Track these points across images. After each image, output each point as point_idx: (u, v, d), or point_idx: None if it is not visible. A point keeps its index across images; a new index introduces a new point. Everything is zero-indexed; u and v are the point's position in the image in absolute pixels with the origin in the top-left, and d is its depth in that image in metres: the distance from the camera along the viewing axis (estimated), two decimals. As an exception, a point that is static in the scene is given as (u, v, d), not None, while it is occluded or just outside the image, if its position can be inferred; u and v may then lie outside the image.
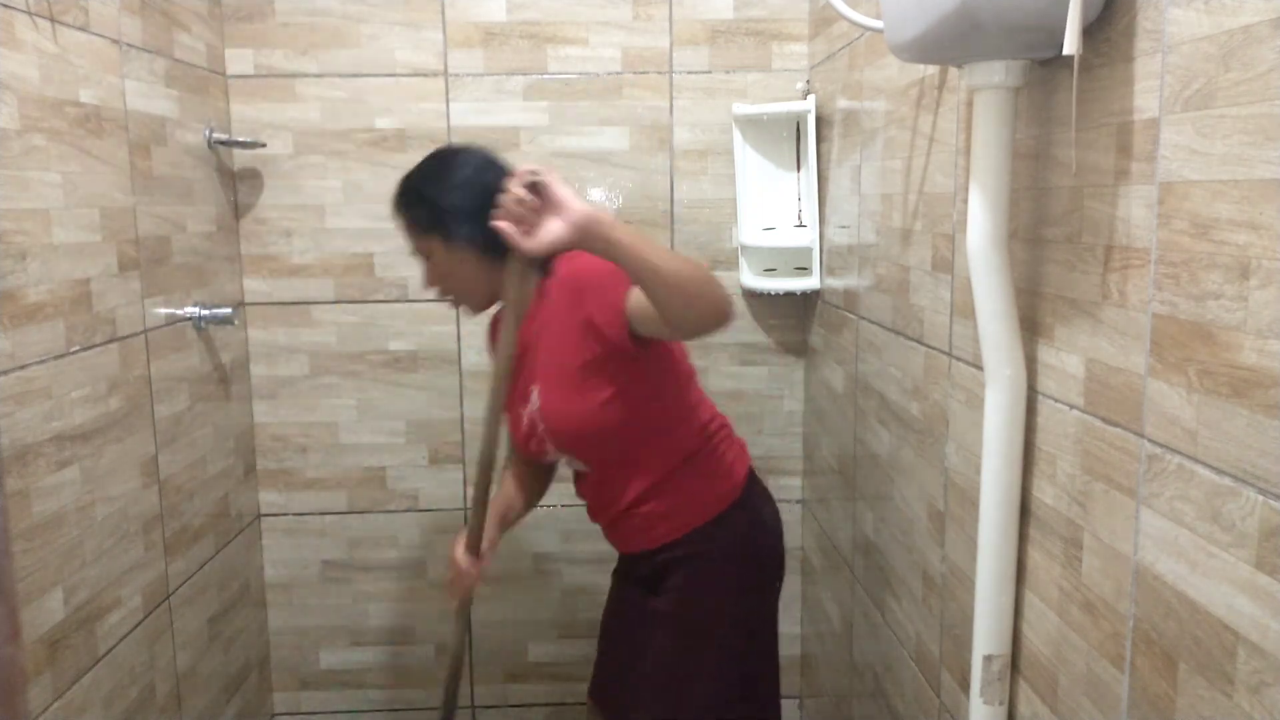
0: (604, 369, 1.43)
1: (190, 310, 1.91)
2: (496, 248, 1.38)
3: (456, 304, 1.53)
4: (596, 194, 2.23)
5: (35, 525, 1.39)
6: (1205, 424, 0.79)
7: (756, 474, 1.64)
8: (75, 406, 1.50)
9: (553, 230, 1.23)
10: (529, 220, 1.25)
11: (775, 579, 1.62)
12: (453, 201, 1.45)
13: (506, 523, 1.66)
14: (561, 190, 1.23)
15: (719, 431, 1.58)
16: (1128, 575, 0.91)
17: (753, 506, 1.58)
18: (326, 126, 2.17)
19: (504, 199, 1.25)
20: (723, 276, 2.26)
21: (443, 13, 2.15)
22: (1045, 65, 1.04)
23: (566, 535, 2.36)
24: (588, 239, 1.23)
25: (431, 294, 1.54)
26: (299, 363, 2.24)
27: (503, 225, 1.25)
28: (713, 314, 1.27)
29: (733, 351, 2.30)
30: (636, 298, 1.33)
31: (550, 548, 2.34)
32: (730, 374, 2.31)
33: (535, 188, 1.24)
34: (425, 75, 2.16)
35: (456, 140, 2.17)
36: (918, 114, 1.45)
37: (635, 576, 1.64)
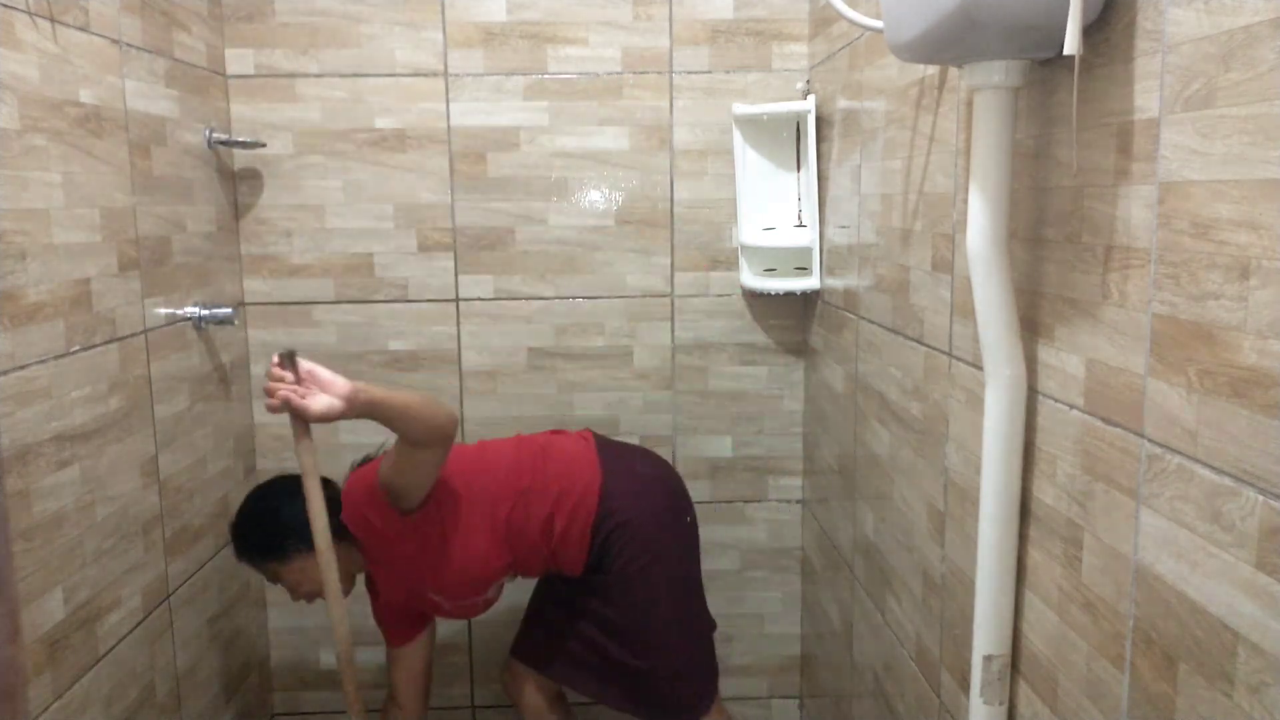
0: (406, 541, 1.71)
1: (190, 310, 1.91)
2: (341, 535, 1.65)
3: (333, 595, 1.59)
4: (596, 194, 2.23)
5: (35, 525, 1.39)
6: (1205, 424, 0.79)
7: (608, 443, 1.92)
8: (75, 406, 1.50)
9: (321, 401, 1.43)
10: (292, 394, 1.43)
11: (683, 510, 1.89)
12: (285, 529, 1.69)
13: None
14: (322, 371, 1.45)
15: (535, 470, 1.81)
16: (1128, 575, 0.91)
17: (618, 471, 1.83)
18: (326, 126, 2.17)
19: (268, 378, 1.44)
20: (723, 277, 2.27)
21: (443, 13, 2.15)
22: (1045, 65, 1.04)
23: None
24: (356, 406, 1.44)
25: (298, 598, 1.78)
26: (299, 363, 2.24)
27: (287, 394, 1.42)
28: (441, 426, 1.56)
29: (732, 352, 2.30)
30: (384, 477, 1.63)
31: (550, 548, 2.34)
32: (730, 374, 2.31)
33: (291, 360, 1.44)
34: (425, 75, 2.16)
35: (458, 141, 2.17)
36: (918, 114, 1.45)
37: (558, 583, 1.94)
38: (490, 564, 1.75)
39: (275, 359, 1.44)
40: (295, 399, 1.42)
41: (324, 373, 1.45)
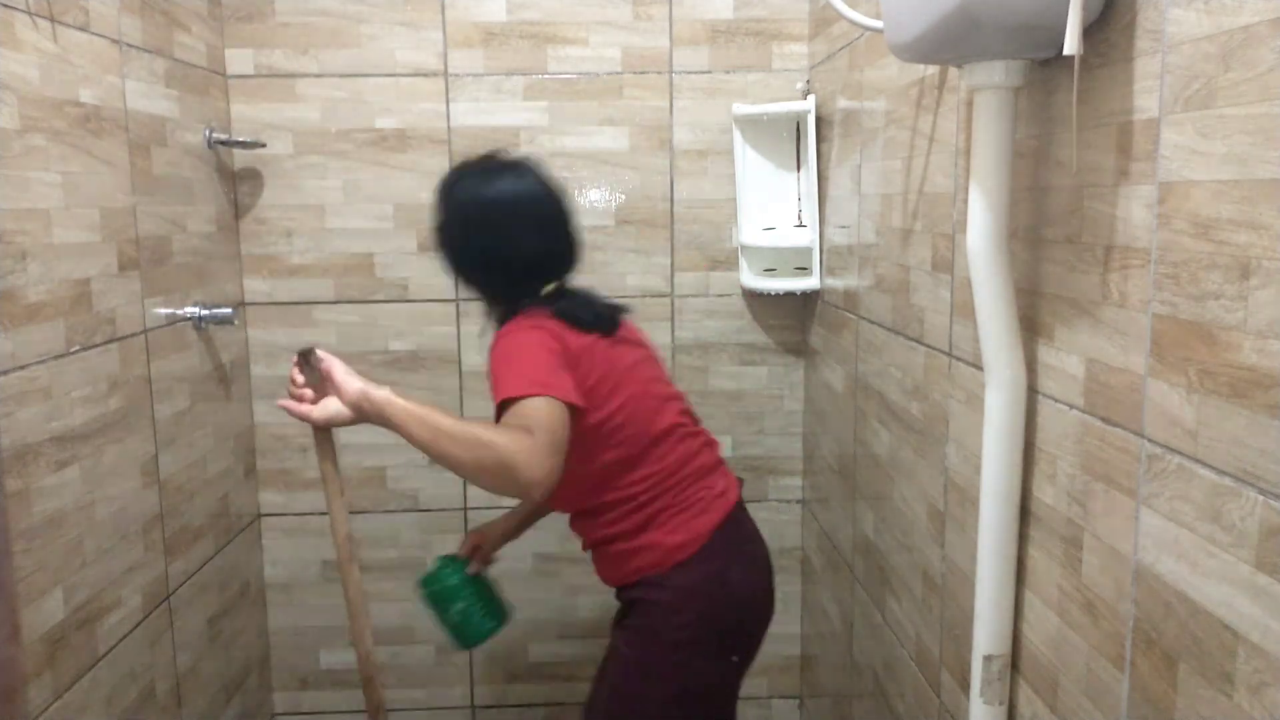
0: None
1: (190, 310, 1.91)
2: (501, 284, 1.48)
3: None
4: (596, 194, 2.23)
5: (35, 525, 1.39)
6: (1205, 424, 0.79)
7: (738, 535, 1.51)
8: (75, 406, 1.50)
9: (330, 408, 1.32)
10: (307, 395, 1.35)
11: (733, 648, 1.50)
12: (445, 251, 1.51)
13: (530, 520, 1.75)
14: (337, 370, 1.32)
15: (680, 486, 1.49)
16: (1128, 575, 0.91)
17: (716, 563, 1.47)
18: (326, 126, 2.17)
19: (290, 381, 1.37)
20: (723, 277, 2.26)
21: (443, 13, 2.15)
22: (1045, 65, 1.04)
23: (566, 535, 2.34)
24: (362, 416, 1.31)
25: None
26: (299, 363, 2.24)
27: (285, 404, 1.36)
28: (509, 493, 1.28)
29: (733, 351, 2.30)
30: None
31: (550, 548, 2.34)
32: (730, 374, 2.31)
33: (309, 360, 1.35)
34: (425, 75, 2.16)
35: (458, 141, 2.17)
36: (918, 114, 1.45)
37: (617, 610, 1.62)
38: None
39: (294, 359, 1.37)
40: (294, 407, 1.37)
41: (338, 372, 1.33)
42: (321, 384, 1.37)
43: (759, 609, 1.54)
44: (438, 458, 1.27)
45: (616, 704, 1.53)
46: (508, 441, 1.21)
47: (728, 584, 1.47)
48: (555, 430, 1.25)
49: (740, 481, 1.59)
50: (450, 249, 1.51)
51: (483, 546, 1.76)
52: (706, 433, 1.60)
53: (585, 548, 1.60)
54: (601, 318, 1.49)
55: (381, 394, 1.30)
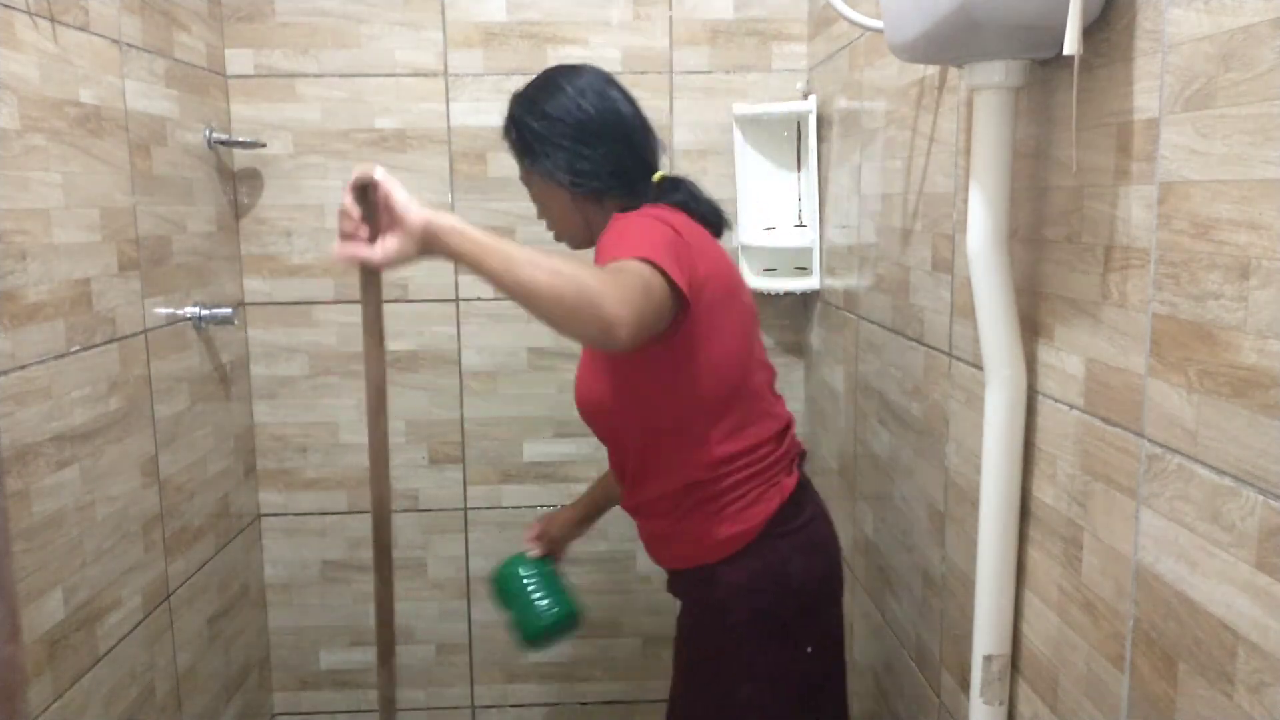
0: None
1: (190, 310, 1.91)
2: (586, 185, 1.35)
3: (558, 238, 1.44)
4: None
5: (35, 525, 1.39)
6: (1205, 424, 0.79)
7: (798, 518, 1.38)
8: (75, 406, 1.50)
9: (390, 245, 1.09)
10: (362, 232, 1.11)
11: (807, 628, 1.39)
12: (540, 130, 1.36)
13: (599, 508, 1.65)
14: (397, 197, 1.07)
15: (749, 470, 1.35)
16: (1128, 575, 0.91)
17: (772, 556, 1.36)
18: (326, 126, 2.17)
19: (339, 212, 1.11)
20: (723, 276, 2.26)
21: (443, 13, 2.15)
22: (1045, 65, 1.04)
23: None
24: (428, 251, 1.09)
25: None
26: (299, 363, 2.24)
27: (342, 249, 1.12)
28: (589, 333, 1.07)
29: (733, 351, 2.30)
30: None
31: (550, 548, 2.34)
32: (730, 374, 2.30)
33: (365, 193, 1.10)
34: (425, 75, 2.16)
35: (458, 141, 2.17)
36: (918, 114, 1.45)
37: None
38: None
39: (349, 187, 1.10)
40: (351, 251, 1.12)
41: (398, 199, 1.07)
42: (376, 217, 1.12)
43: (816, 588, 1.40)
44: (511, 288, 1.05)
45: (687, 711, 1.45)
46: (595, 272, 1.07)
47: (785, 575, 1.36)
48: (651, 288, 1.12)
49: (802, 454, 1.46)
50: (564, 152, 1.36)
51: (548, 534, 1.64)
52: (788, 415, 1.46)
53: (632, 510, 1.47)
54: (717, 213, 1.40)
55: (447, 222, 1.07)
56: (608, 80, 1.41)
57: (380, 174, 1.07)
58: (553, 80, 1.40)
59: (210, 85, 2.05)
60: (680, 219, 1.30)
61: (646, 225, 1.25)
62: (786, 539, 1.36)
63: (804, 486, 1.42)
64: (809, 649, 1.39)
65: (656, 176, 1.40)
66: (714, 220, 1.39)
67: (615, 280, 1.07)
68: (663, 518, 1.39)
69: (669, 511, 1.38)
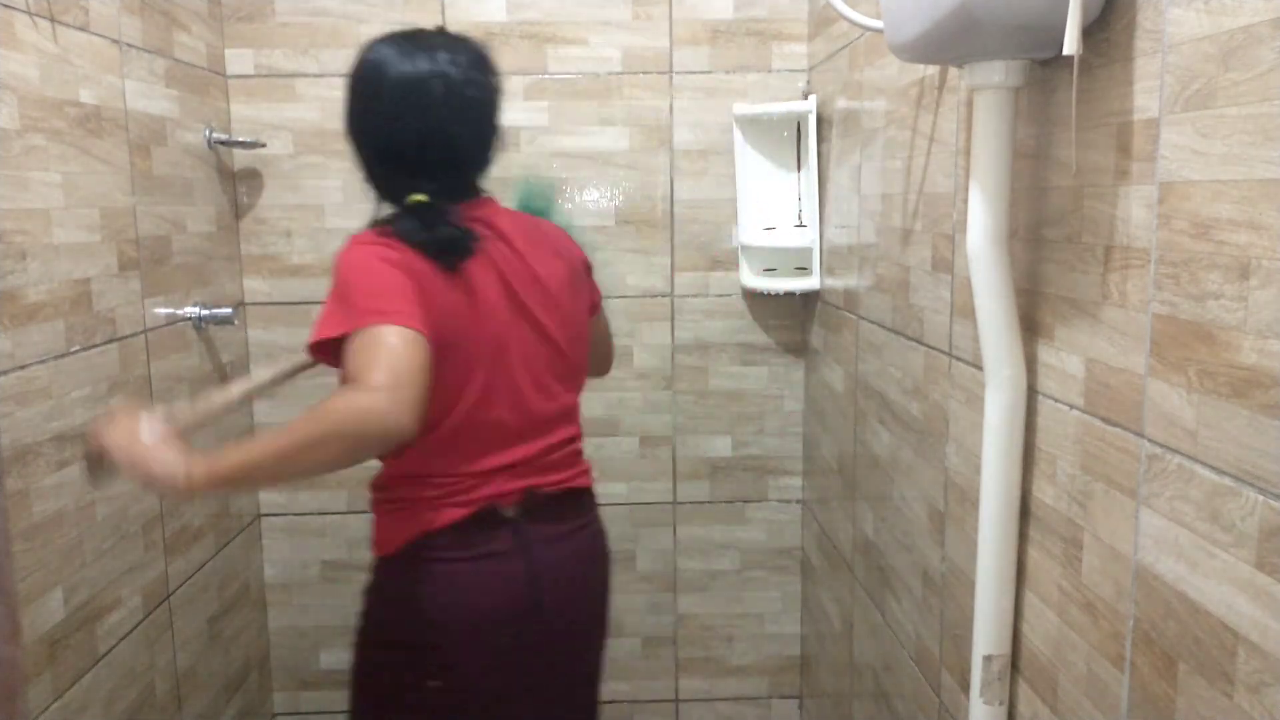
0: None
1: (190, 310, 1.91)
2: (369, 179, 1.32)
3: None
4: (596, 194, 2.23)
5: (35, 525, 1.39)
6: (1205, 424, 0.79)
7: (450, 548, 1.27)
8: (75, 406, 1.50)
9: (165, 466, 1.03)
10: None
11: (417, 676, 1.32)
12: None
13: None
14: (136, 460, 1.03)
15: (436, 485, 1.27)
16: (1128, 575, 0.91)
17: (404, 577, 1.29)
18: (326, 126, 2.17)
19: None
20: (723, 277, 2.26)
21: (443, 13, 2.15)
22: (1045, 65, 1.04)
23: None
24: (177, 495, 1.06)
25: None
26: (299, 363, 2.24)
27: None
28: (385, 444, 1.02)
29: (733, 352, 2.30)
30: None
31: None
32: (730, 374, 2.31)
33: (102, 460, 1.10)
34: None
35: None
36: (918, 114, 1.45)
37: None
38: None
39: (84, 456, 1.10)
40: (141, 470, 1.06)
41: (139, 463, 1.04)
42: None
43: (437, 643, 1.31)
44: (297, 476, 1.04)
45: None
46: (338, 396, 1.01)
47: (405, 603, 1.31)
48: (396, 351, 1.05)
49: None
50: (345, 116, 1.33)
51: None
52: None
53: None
54: (443, 243, 1.20)
55: (199, 470, 1.02)
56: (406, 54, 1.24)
57: (113, 437, 1.04)
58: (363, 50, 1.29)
59: (210, 85, 2.05)
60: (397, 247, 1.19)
61: (360, 265, 1.17)
62: (424, 568, 1.28)
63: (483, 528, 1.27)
64: (411, 692, 1.35)
65: (416, 197, 1.25)
66: (446, 253, 1.22)
67: (362, 380, 1.01)
68: (376, 492, 1.37)
69: (379, 490, 1.35)
